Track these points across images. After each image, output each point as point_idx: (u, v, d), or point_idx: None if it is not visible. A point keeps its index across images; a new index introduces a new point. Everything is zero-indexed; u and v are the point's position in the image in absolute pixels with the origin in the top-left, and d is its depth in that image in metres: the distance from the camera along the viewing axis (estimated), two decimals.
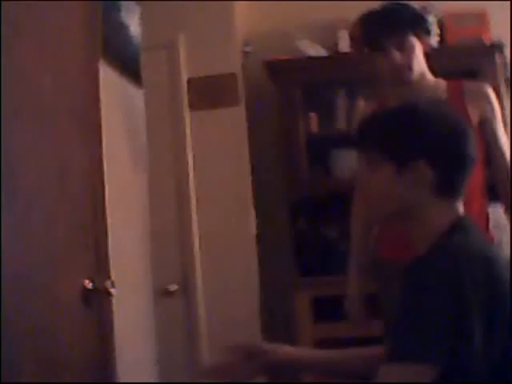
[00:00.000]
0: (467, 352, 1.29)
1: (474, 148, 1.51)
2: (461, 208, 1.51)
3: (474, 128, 2.33)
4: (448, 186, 1.49)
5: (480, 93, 2.38)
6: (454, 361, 1.29)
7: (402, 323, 1.35)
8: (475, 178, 2.34)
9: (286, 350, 1.72)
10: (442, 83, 2.41)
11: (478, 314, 1.30)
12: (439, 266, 1.35)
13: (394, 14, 2.33)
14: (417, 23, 2.35)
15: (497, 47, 3.48)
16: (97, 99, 2.01)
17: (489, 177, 2.40)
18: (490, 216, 2.46)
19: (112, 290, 1.90)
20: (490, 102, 2.37)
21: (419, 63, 2.34)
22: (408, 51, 2.30)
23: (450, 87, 2.39)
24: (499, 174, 2.37)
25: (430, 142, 1.48)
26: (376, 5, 2.37)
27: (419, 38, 2.33)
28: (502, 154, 2.37)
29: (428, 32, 2.42)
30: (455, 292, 1.31)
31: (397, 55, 2.30)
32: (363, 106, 2.57)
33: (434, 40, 3.62)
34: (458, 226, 1.46)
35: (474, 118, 2.33)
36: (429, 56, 2.41)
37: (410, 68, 2.31)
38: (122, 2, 2.33)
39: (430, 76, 2.40)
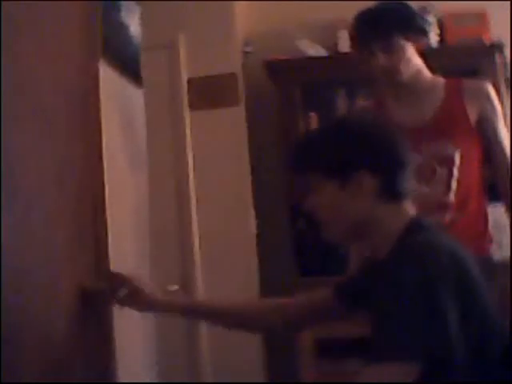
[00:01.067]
0: (445, 344, 1.31)
1: (408, 151, 1.55)
2: (412, 209, 1.54)
3: (472, 126, 2.33)
4: (392, 191, 1.52)
5: (479, 91, 2.38)
6: (435, 355, 1.31)
7: (377, 326, 1.38)
8: (471, 177, 2.34)
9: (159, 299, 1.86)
10: (440, 81, 2.41)
11: (450, 305, 1.32)
12: (403, 266, 1.37)
13: (381, 16, 2.32)
14: (406, 24, 2.33)
15: (497, 47, 3.49)
16: (97, 99, 2.01)
17: (489, 176, 2.40)
18: (490, 216, 2.46)
19: None
20: (489, 100, 2.37)
21: (409, 64, 2.32)
22: (395, 54, 2.29)
23: (448, 85, 2.39)
24: (499, 170, 2.37)
25: (367, 151, 1.52)
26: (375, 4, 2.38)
27: (410, 38, 2.32)
28: (502, 150, 2.36)
29: (422, 31, 2.41)
30: (424, 288, 1.32)
31: (382, 58, 2.29)
32: (361, 106, 2.57)
33: (433, 40, 3.62)
34: (413, 226, 1.49)
35: (473, 116, 2.33)
36: (426, 56, 2.40)
37: (397, 70, 2.31)
38: (122, 2, 2.33)
39: (427, 74, 2.39)
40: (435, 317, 1.31)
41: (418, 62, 2.36)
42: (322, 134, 1.61)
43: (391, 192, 1.51)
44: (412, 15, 2.38)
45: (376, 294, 1.41)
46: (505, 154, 2.36)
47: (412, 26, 2.35)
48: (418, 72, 2.36)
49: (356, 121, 1.62)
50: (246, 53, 3.75)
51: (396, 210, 1.51)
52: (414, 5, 2.44)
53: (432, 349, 1.30)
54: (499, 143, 2.36)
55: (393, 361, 1.31)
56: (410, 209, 1.54)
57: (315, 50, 3.73)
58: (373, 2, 2.37)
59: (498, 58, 3.45)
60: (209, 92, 3.60)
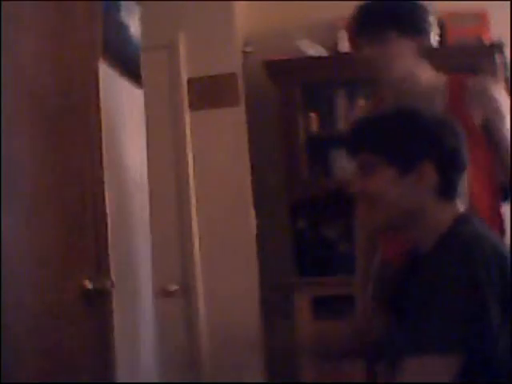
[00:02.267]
0: (487, 337, 1.31)
1: (467, 151, 1.55)
2: (462, 206, 1.53)
3: (478, 130, 2.27)
4: (450, 188, 1.51)
5: (483, 92, 2.26)
6: (476, 348, 1.31)
7: (418, 318, 1.37)
8: (480, 181, 2.29)
9: None
10: (440, 84, 2.31)
11: (493, 298, 1.32)
12: (452, 257, 1.37)
13: (373, 8, 2.25)
14: (400, 20, 2.25)
15: (497, 47, 3.49)
16: (97, 99, 2.01)
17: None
18: None
19: (112, 290, 1.90)
20: (494, 101, 2.27)
21: (402, 63, 2.25)
22: (383, 48, 2.20)
23: (451, 86, 2.30)
24: (504, 170, 2.33)
25: (434, 144, 1.50)
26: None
27: (406, 35, 2.25)
28: (506, 151, 2.29)
29: (421, 30, 2.35)
30: (470, 279, 1.33)
31: (367, 51, 2.22)
32: (363, 106, 2.54)
33: (433, 40, 3.61)
34: (462, 219, 1.49)
35: (477, 118, 2.24)
36: (426, 55, 2.36)
37: (385, 65, 2.24)
38: (122, 2, 2.33)
39: (427, 76, 2.31)
40: (479, 312, 1.31)
41: (414, 62, 2.29)
42: (389, 118, 1.57)
43: (448, 189, 1.50)
44: (411, 13, 2.30)
45: (419, 287, 1.40)
46: (508, 155, 2.30)
47: (408, 24, 2.27)
48: (415, 73, 2.28)
49: (431, 114, 1.58)
50: (245, 53, 3.75)
51: (448, 207, 1.50)
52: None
53: (474, 342, 1.30)
54: (503, 145, 2.29)
55: (434, 353, 1.31)
56: (460, 208, 1.53)
57: (315, 50, 3.73)
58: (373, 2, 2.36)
59: (498, 58, 3.45)
60: (209, 92, 3.60)
